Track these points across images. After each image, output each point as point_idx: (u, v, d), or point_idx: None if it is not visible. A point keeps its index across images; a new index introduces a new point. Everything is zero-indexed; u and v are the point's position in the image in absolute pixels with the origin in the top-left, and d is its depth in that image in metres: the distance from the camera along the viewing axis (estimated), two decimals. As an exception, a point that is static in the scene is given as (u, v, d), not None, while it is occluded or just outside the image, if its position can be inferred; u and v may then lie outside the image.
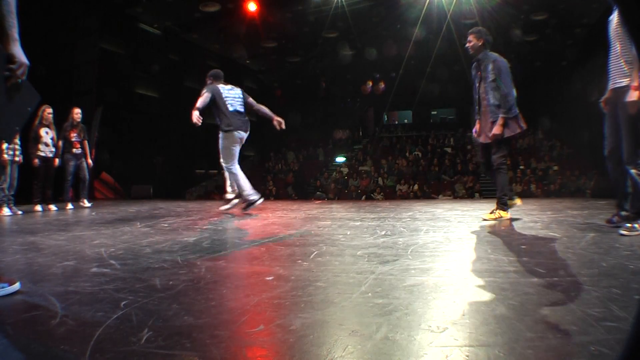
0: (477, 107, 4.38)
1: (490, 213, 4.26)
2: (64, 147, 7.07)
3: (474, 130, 4.43)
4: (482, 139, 4.30)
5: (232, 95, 5.28)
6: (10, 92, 1.63)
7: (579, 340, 1.18)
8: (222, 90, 5.20)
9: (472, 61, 4.41)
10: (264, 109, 5.54)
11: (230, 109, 5.16)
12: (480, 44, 4.26)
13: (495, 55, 4.22)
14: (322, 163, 19.27)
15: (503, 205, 4.23)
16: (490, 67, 4.14)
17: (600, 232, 3.26)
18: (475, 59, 4.34)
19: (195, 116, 4.88)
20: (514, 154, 16.62)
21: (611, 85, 3.30)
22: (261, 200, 5.19)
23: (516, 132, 4.17)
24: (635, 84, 2.97)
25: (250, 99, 5.47)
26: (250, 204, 5.07)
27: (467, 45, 4.36)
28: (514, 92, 4.13)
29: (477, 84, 4.34)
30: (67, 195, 7.16)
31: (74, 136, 7.17)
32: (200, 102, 5.00)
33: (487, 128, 4.22)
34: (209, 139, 18.59)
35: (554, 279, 1.84)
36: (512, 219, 4.24)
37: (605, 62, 3.40)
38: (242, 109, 5.30)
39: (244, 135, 5.23)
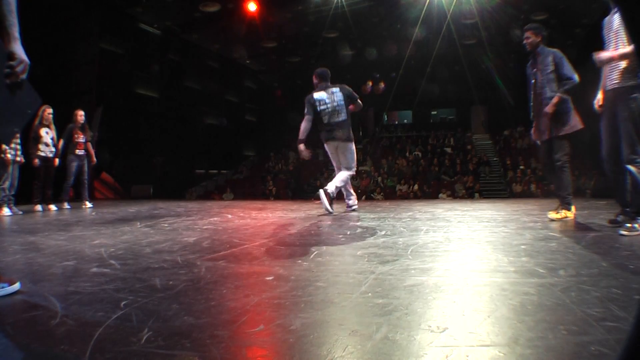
0: (531, 105, 4.35)
1: (556, 212, 4.19)
2: (68, 148, 7.14)
3: (531, 132, 4.41)
4: (543, 137, 4.26)
5: (329, 104, 5.33)
6: (11, 89, 1.63)
7: (579, 340, 1.18)
8: (316, 101, 5.31)
9: (528, 58, 4.39)
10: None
11: (325, 120, 5.30)
12: (538, 40, 4.24)
13: (553, 49, 4.21)
14: (323, 163, 19.27)
15: (567, 205, 4.17)
16: (549, 59, 4.12)
17: (600, 232, 3.26)
18: (532, 56, 4.31)
19: (303, 151, 5.31)
20: (514, 154, 16.64)
21: (609, 85, 3.32)
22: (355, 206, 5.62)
23: (578, 128, 4.10)
24: (614, 54, 3.17)
25: (353, 105, 5.51)
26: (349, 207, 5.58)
27: (525, 41, 4.30)
28: (576, 77, 4.06)
29: (533, 80, 4.30)
30: (67, 195, 7.19)
31: (78, 138, 7.23)
32: (302, 130, 5.23)
33: (545, 124, 4.17)
34: (208, 139, 18.68)
35: (554, 279, 1.84)
36: (510, 220, 4.24)
37: None
38: (339, 118, 5.31)
39: (333, 143, 5.37)
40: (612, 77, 3.30)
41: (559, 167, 4.17)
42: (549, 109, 4.05)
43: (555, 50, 4.19)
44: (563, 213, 4.16)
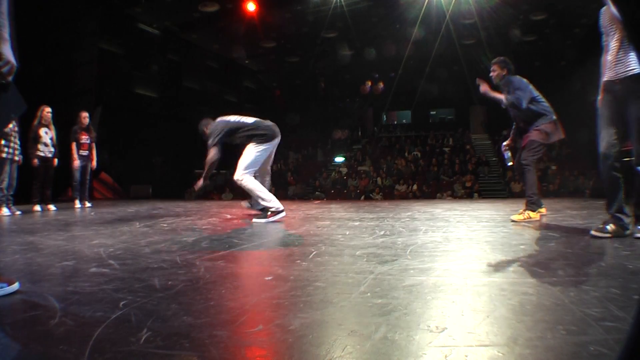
0: (513, 125, 4.72)
1: (519, 214, 4.21)
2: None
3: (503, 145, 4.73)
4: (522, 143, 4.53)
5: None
6: None
7: (578, 340, 1.18)
8: (232, 122, 4.76)
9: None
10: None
11: (256, 124, 4.78)
12: (504, 73, 4.43)
13: (510, 78, 4.38)
14: (322, 163, 19.28)
15: (532, 205, 4.21)
16: (506, 90, 4.35)
17: (599, 232, 3.25)
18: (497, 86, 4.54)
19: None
20: (513, 154, 16.63)
21: (619, 74, 2.95)
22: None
23: (552, 140, 4.37)
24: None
25: None
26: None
27: (492, 74, 4.50)
28: (524, 103, 4.24)
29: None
30: (77, 194, 7.35)
31: (84, 139, 7.38)
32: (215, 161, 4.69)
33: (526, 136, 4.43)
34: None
35: (553, 279, 1.85)
36: (508, 220, 4.24)
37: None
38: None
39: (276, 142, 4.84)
40: (625, 64, 2.90)
41: (522, 165, 4.34)
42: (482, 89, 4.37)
43: (510, 79, 4.35)
44: (526, 214, 4.17)
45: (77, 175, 7.35)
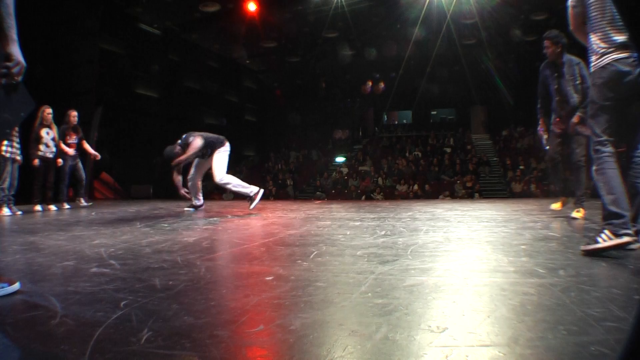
0: (553, 104, 4.39)
1: (576, 211, 4.46)
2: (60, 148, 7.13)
3: (552, 124, 4.44)
4: (558, 130, 4.38)
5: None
6: (6, 90, 1.63)
7: (578, 340, 1.18)
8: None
9: (547, 63, 4.38)
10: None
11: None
12: (559, 50, 4.25)
13: (576, 59, 4.20)
14: (322, 163, 19.26)
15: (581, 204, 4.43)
16: (576, 70, 4.16)
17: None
18: (552, 62, 4.32)
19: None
20: (514, 154, 16.64)
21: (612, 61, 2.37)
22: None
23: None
24: None
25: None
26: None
27: (546, 51, 4.30)
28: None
29: (556, 86, 4.31)
30: (65, 196, 7.20)
31: (72, 138, 7.22)
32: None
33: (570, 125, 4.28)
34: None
35: (554, 279, 1.84)
36: (509, 220, 4.24)
37: None
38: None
39: None
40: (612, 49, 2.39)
41: (576, 161, 4.41)
42: (576, 120, 4.15)
43: (579, 60, 4.15)
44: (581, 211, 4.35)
45: (66, 178, 7.15)
